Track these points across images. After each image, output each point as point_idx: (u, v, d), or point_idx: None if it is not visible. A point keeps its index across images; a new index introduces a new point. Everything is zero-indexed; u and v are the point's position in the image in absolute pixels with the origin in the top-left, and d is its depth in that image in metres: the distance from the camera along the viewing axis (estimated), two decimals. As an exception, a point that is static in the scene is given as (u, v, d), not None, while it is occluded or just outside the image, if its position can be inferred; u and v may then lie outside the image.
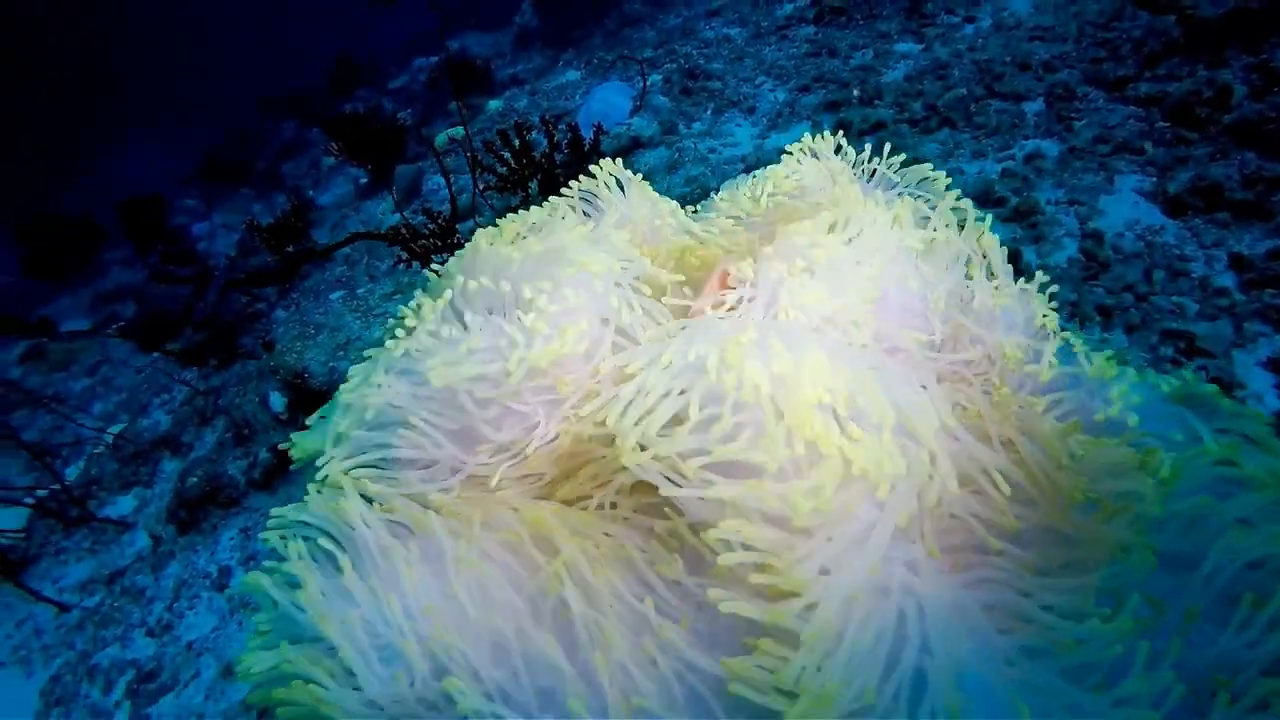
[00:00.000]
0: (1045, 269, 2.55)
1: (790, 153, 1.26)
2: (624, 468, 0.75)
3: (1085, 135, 3.11)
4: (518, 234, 1.06)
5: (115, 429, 4.45)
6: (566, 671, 0.67)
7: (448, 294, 0.96)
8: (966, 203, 1.08)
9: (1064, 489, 0.74)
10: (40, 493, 3.61)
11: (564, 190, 1.20)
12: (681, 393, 0.74)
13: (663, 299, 1.00)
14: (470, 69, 7.46)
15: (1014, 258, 2.56)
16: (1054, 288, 1.12)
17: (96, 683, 2.46)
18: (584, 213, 1.16)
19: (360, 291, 4.04)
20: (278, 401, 3.19)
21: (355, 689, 0.72)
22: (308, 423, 1.02)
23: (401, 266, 3.90)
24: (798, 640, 0.67)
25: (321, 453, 0.93)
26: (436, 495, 0.88)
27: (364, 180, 6.89)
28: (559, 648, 0.69)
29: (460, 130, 5.29)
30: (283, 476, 3.10)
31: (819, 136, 1.27)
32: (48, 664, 2.74)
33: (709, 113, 4.22)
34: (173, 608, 2.65)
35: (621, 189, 1.20)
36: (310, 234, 5.97)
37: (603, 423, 0.78)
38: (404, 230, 3.89)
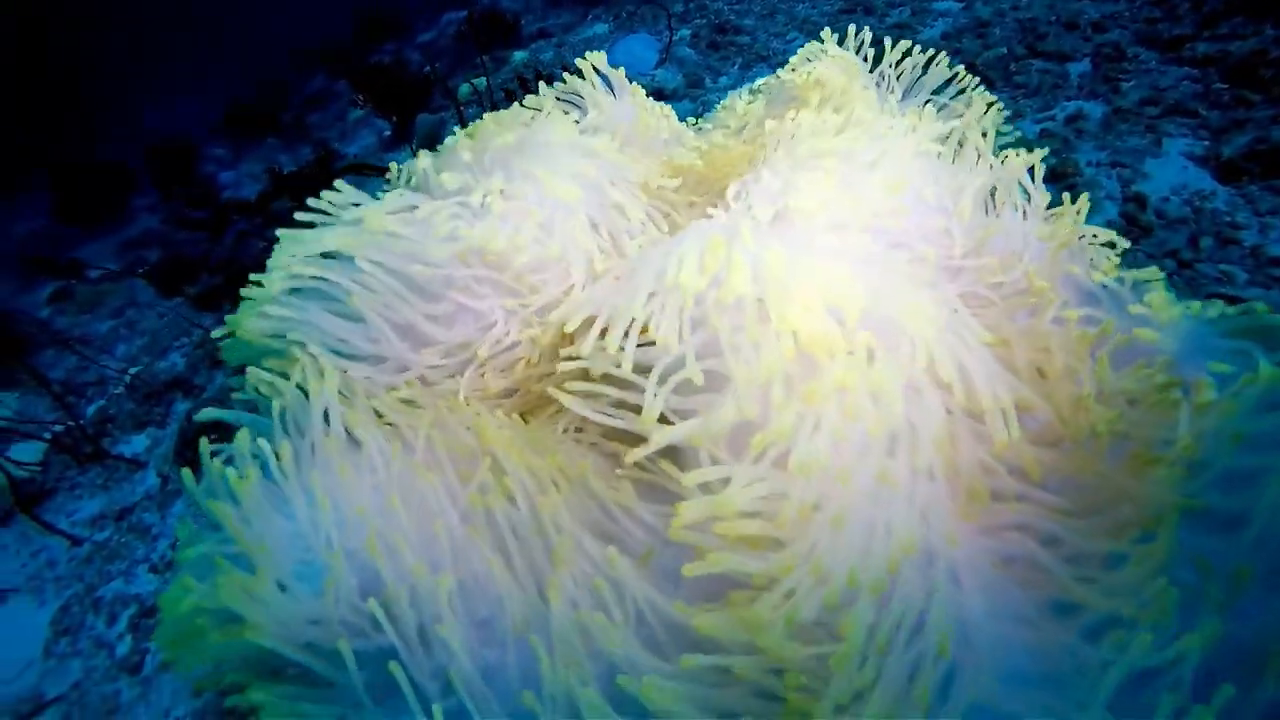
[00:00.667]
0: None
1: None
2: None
3: (1133, 97, 2.93)
4: (503, 128, 0.99)
5: (135, 370, 4.51)
6: (508, 602, 0.61)
7: (414, 179, 0.89)
8: (996, 113, 0.98)
9: (1096, 428, 0.66)
10: (57, 428, 3.67)
11: (537, 97, 1.12)
12: (652, 295, 0.66)
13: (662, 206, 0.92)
14: (498, 22, 7.32)
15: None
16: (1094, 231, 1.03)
17: (101, 615, 2.49)
18: (574, 120, 1.08)
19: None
20: (288, 346, 3.18)
21: (282, 606, 0.67)
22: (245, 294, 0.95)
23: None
24: (776, 585, 0.61)
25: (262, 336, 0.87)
26: (386, 395, 0.82)
27: (388, 133, 6.83)
28: (503, 574, 0.63)
29: (483, 81, 5.19)
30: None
31: (835, 36, 1.16)
32: (59, 594, 2.78)
33: (736, 67, 4.08)
34: (176, 545, 2.67)
35: (612, 91, 1.12)
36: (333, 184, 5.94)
37: (567, 331, 0.71)
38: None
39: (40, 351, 6.16)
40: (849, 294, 0.62)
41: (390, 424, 0.80)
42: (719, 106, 1.23)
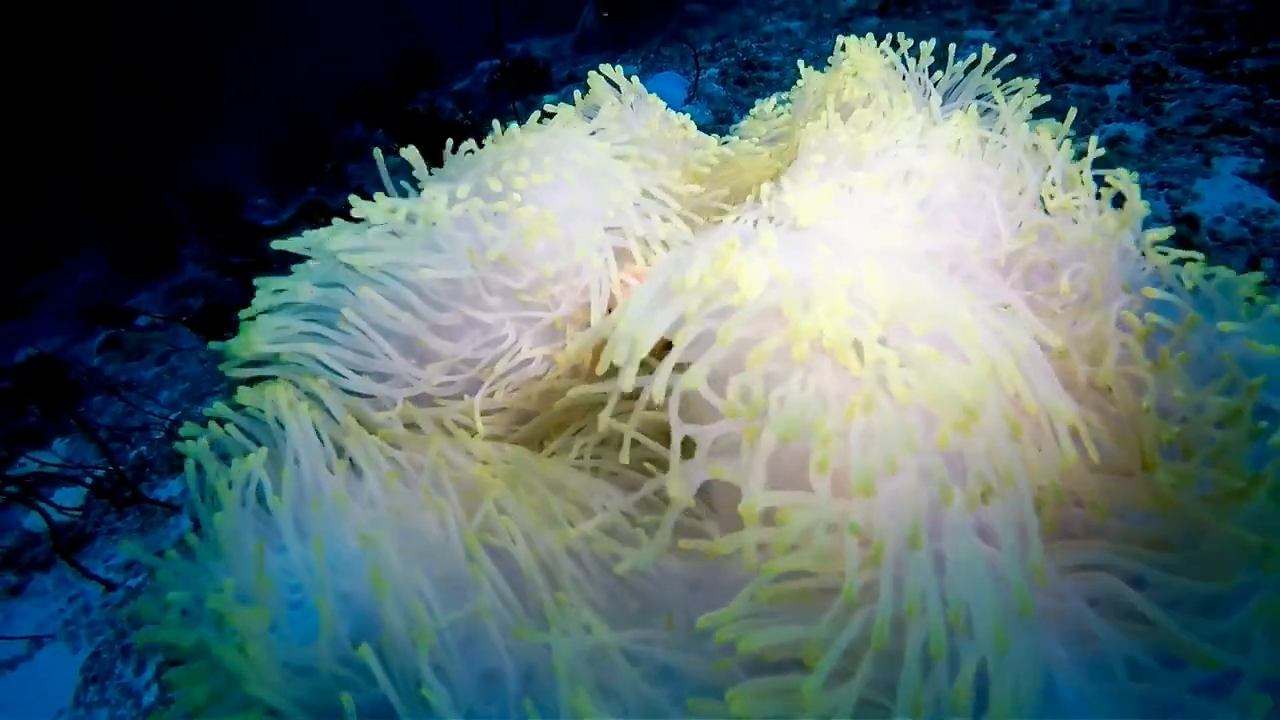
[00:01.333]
0: (1132, 257, 2.31)
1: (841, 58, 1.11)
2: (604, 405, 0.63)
3: (1178, 116, 2.83)
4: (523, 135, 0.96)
5: (175, 414, 4.58)
6: (509, 657, 0.55)
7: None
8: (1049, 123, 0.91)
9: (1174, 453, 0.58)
10: (98, 473, 3.72)
11: (548, 108, 1.09)
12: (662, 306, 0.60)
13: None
14: (530, 69, 7.50)
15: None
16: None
17: (130, 662, 2.47)
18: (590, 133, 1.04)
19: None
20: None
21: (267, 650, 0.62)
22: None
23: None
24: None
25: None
26: (387, 421, 0.77)
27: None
28: (499, 633, 0.57)
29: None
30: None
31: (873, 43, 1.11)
32: (91, 640, 2.78)
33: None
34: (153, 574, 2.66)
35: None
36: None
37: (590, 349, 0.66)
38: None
39: (89, 398, 6.34)
40: (881, 295, 0.56)
41: (391, 453, 0.75)
42: (749, 114, 1.20)
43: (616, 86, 1.11)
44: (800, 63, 1.18)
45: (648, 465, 0.73)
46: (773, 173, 0.91)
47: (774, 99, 1.22)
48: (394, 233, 0.82)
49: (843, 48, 1.13)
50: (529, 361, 0.77)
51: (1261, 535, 0.56)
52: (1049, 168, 0.81)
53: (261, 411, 0.78)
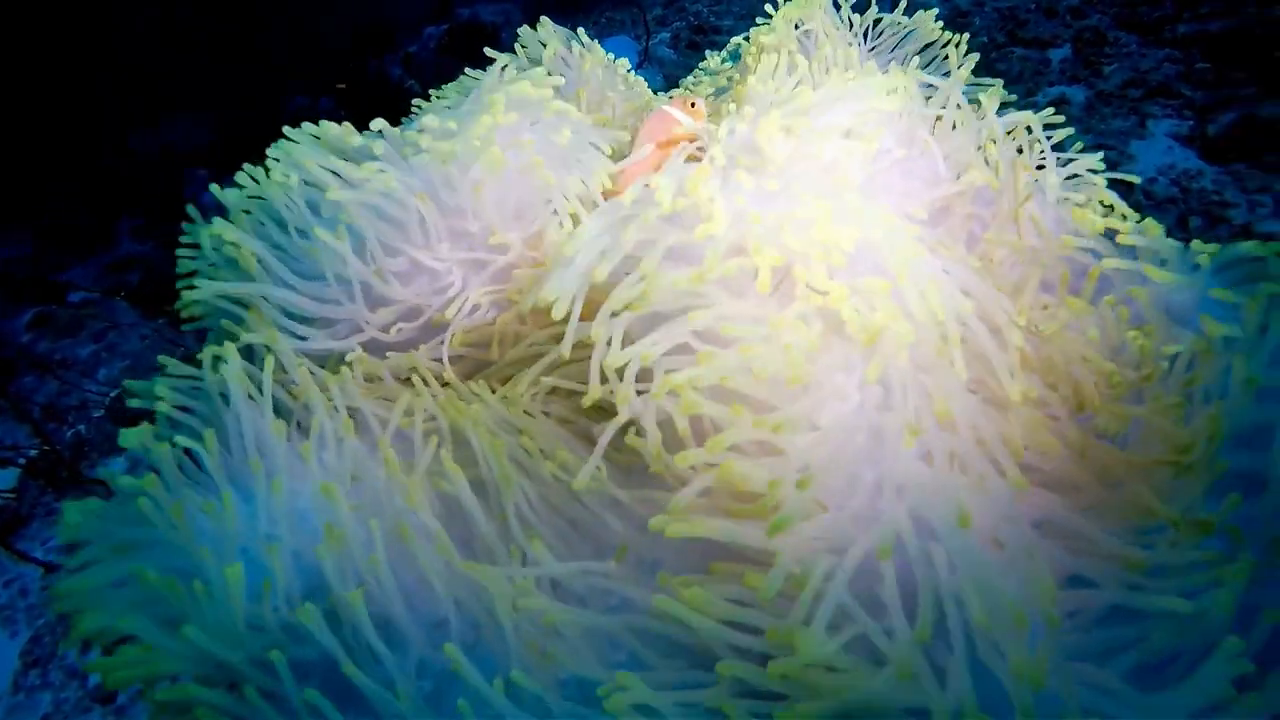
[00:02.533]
0: (1070, 216, 2.38)
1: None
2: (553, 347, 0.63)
3: (1116, 80, 2.91)
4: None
5: (115, 392, 4.42)
6: (464, 605, 0.55)
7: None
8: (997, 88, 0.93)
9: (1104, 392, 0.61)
10: (32, 454, 3.57)
11: (499, 57, 1.07)
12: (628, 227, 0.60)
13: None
14: (479, 33, 7.32)
15: (1037, 206, 2.38)
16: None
17: (75, 644, 2.40)
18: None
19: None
20: (267, 360, 3.11)
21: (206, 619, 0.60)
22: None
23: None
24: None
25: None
26: (339, 368, 0.76)
27: (370, 147, 6.81)
28: (452, 580, 0.57)
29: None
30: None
31: None
32: (31, 624, 2.69)
33: (717, 66, 4.05)
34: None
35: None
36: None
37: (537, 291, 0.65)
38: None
39: (20, 378, 6.06)
40: (839, 235, 0.57)
41: (343, 402, 0.74)
42: (696, 69, 1.19)
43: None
44: (754, 29, 1.18)
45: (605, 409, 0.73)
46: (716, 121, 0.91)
47: (721, 55, 1.21)
48: (340, 174, 0.79)
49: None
50: (478, 307, 0.76)
51: (1168, 504, 0.59)
52: (985, 119, 0.83)
53: (201, 380, 0.76)
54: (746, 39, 1.19)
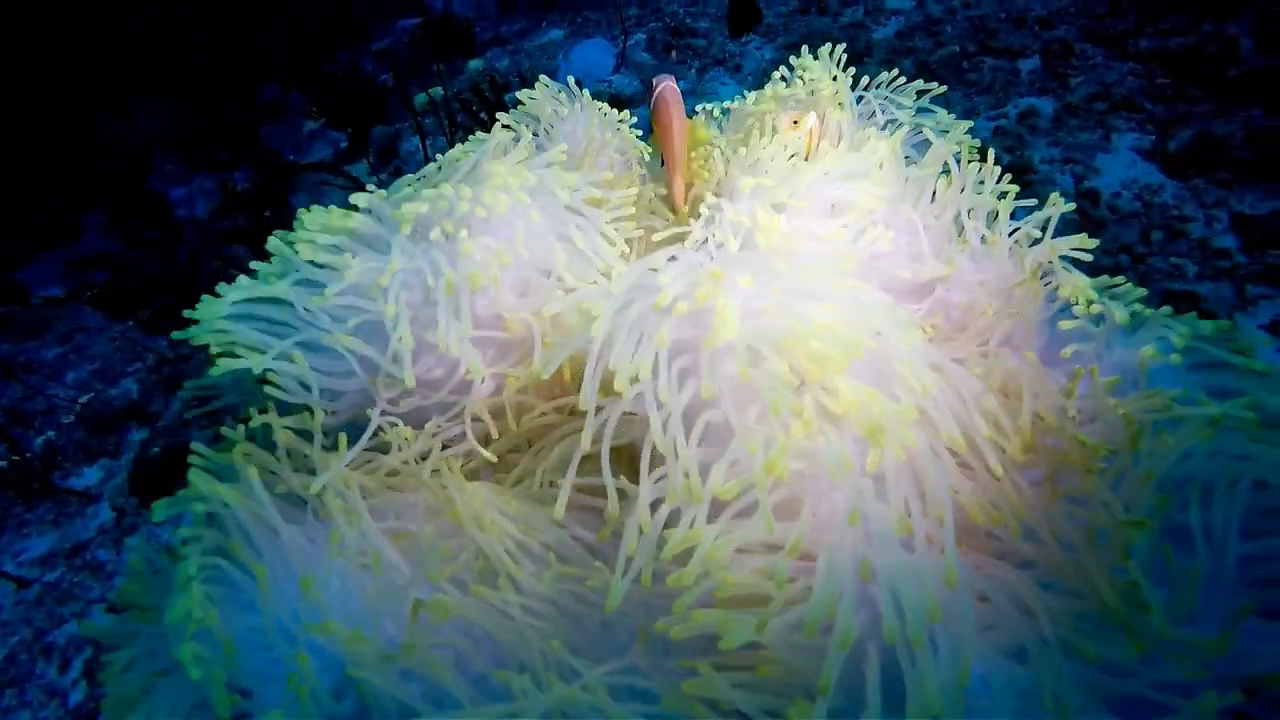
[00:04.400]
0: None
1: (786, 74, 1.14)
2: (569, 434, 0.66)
3: (1082, 92, 2.98)
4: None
5: (85, 397, 4.34)
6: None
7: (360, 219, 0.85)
8: (967, 138, 0.97)
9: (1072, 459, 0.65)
10: (1, 463, 3.51)
11: (500, 116, 1.09)
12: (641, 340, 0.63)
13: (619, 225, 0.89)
14: (453, 28, 7.24)
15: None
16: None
17: (53, 661, 2.38)
18: (534, 138, 1.05)
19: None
20: (244, 369, 3.09)
21: None
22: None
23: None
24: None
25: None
26: (353, 456, 0.78)
27: (344, 145, 6.70)
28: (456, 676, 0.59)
29: (440, 90, 5.12)
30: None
31: (812, 56, 1.14)
32: (5, 642, 2.65)
33: (693, 70, 4.07)
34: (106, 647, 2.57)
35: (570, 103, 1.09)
36: (289, 198, 5.84)
37: (549, 372, 0.68)
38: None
39: (-16, 381, 5.90)
40: (841, 340, 0.60)
41: (361, 490, 0.76)
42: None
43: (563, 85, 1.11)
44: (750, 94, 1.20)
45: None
46: (703, 186, 0.94)
47: (716, 109, 1.24)
48: (345, 251, 0.81)
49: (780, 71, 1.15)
50: (485, 381, 0.79)
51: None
52: (964, 188, 0.86)
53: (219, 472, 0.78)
54: (743, 95, 1.22)
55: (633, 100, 3.88)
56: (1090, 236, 2.48)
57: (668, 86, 0.99)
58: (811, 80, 1.00)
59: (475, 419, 0.80)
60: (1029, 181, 2.61)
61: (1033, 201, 1.01)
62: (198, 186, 9.08)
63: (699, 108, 1.30)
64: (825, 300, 0.65)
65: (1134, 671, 0.57)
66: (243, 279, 0.87)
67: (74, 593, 2.65)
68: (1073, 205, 1.12)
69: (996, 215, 0.90)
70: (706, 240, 0.81)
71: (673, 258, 0.72)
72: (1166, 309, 0.90)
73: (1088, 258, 0.91)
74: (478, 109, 3.49)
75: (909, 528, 0.58)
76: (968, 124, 1.00)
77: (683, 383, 0.61)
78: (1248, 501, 0.63)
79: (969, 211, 0.84)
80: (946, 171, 0.93)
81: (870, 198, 0.79)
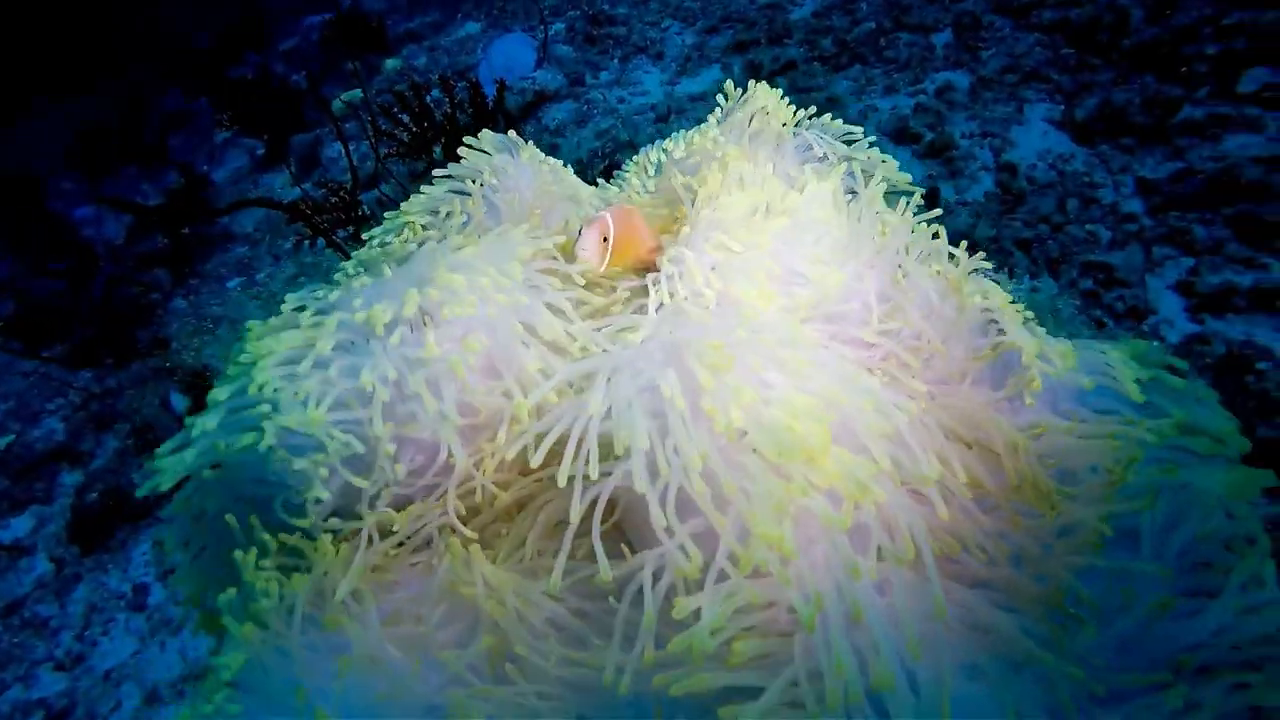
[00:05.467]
0: (964, 205, 2.54)
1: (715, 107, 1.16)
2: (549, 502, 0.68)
3: (993, 65, 3.09)
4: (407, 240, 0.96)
5: (4, 441, 4.10)
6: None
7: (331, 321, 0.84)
8: (901, 176, 1.00)
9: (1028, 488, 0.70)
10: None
11: (436, 174, 1.08)
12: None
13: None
14: (363, 24, 7.00)
15: (932, 195, 2.54)
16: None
17: (0, 726, 2.28)
18: (480, 195, 1.04)
19: (260, 276, 3.77)
20: (180, 402, 2.97)
21: None
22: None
23: (306, 245, 3.64)
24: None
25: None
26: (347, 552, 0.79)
27: (260, 152, 6.44)
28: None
29: (358, 93, 4.96)
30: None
31: (736, 88, 1.16)
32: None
33: (615, 61, 4.05)
34: (83, 636, 2.47)
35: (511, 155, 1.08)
36: (213, 212, 5.58)
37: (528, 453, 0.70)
38: (305, 205, 3.63)
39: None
40: (820, 407, 0.64)
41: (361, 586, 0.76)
42: (628, 167, 1.22)
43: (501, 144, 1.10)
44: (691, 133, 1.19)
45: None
46: (660, 225, 0.96)
47: (654, 151, 1.24)
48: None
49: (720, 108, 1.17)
50: (466, 468, 0.80)
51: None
52: (900, 235, 0.89)
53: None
54: (684, 135, 1.22)
55: (558, 95, 3.85)
56: (1012, 208, 2.58)
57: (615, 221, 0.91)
58: (751, 118, 1.02)
59: (461, 497, 0.81)
60: (950, 158, 2.70)
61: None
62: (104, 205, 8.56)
63: (634, 160, 1.30)
64: (793, 372, 0.68)
65: (1080, 674, 0.62)
66: (207, 421, 0.86)
67: (15, 654, 2.53)
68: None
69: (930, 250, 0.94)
70: (669, 296, 0.83)
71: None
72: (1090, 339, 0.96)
73: (987, 265, 0.96)
74: (399, 112, 3.41)
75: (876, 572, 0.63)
76: (895, 163, 1.04)
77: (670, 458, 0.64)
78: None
79: (907, 248, 0.88)
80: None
81: (827, 269, 0.83)
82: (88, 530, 2.84)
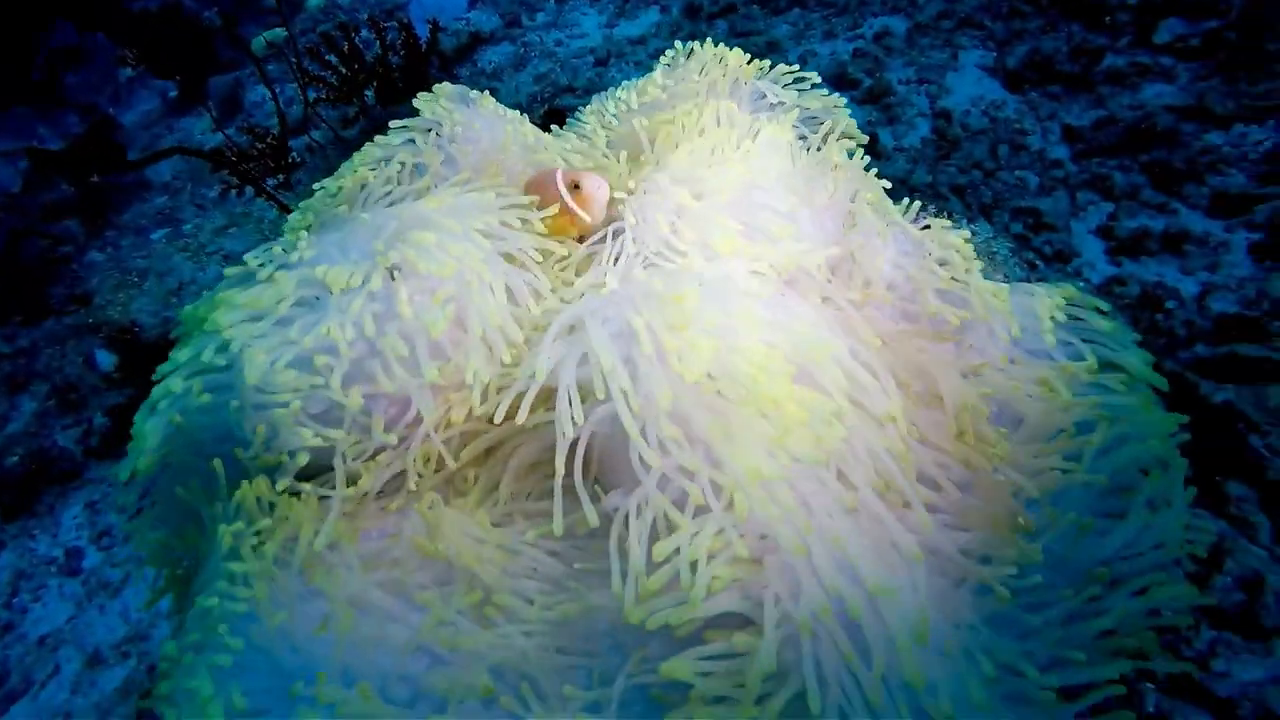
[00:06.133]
0: (901, 150, 2.60)
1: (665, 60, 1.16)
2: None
3: (930, 10, 3.13)
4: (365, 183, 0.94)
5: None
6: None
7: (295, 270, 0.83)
8: (855, 132, 1.03)
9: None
10: None
11: (393, 126, 1.05)
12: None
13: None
14: (279, -45, 6.54)
15: (871, 141, 2.58)
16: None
17: (-65, 695, 2.20)
18: (436, 146, 1.02)
19: (188, 228, 3.58)
20: (106, 359, 2.83)
21: None
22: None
23: (233, 194, 3.47)
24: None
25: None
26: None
27: (173, 94, 6.03)
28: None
29: (280, 33, 4.68)
30: (127, 441, 2.80)
31: (691, 46, 1.16)
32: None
33: (552, 2, 3.93)
34: (11, 604, 2.39)
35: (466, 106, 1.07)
36: (125, 158, 5.22)
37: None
38: (230, 152, 3.44)
39: None
40: (779, 356, 0.68)
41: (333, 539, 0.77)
42: (583, 113, 1.20)
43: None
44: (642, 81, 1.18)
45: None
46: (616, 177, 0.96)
47: (611, 100, 1.22)
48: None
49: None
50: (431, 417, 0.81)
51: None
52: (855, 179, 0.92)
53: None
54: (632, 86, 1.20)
55: (493, 36, 3.72)
56: (948, 154, 2.65)
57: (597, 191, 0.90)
58: (704, 67, 1.03)
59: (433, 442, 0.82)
60: (889, 104, 2.75)
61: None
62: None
63: (588, 109, 1.28)
64: (752, 322, 0.72)
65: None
66: (172, 383, 0.84)
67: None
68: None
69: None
70: (628, 251, 0.84)
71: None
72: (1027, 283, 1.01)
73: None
74: (327, 53, 3.24)
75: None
76: (846, 110, 1.07)
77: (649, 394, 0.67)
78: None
79: (858, 194, 0.91)
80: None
81: (783, 218, 0.85)
82: (9, 495, 2.72)
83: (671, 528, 0.68)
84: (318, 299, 0.82)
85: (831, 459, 0.70)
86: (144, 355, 2.74)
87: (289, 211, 2.88)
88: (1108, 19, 2.68)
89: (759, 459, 0.65)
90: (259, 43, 4.56)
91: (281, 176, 3.43)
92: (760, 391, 0.68)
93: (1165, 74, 2.47)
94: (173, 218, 3.96)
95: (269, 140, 3.43)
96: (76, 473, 2.77)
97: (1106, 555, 0.75)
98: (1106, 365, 0.87)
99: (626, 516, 0.72)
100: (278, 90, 3.62)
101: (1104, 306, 0.95)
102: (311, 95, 3.35)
